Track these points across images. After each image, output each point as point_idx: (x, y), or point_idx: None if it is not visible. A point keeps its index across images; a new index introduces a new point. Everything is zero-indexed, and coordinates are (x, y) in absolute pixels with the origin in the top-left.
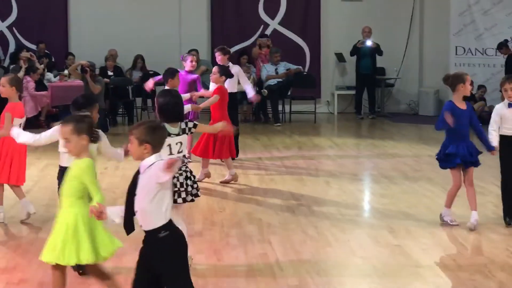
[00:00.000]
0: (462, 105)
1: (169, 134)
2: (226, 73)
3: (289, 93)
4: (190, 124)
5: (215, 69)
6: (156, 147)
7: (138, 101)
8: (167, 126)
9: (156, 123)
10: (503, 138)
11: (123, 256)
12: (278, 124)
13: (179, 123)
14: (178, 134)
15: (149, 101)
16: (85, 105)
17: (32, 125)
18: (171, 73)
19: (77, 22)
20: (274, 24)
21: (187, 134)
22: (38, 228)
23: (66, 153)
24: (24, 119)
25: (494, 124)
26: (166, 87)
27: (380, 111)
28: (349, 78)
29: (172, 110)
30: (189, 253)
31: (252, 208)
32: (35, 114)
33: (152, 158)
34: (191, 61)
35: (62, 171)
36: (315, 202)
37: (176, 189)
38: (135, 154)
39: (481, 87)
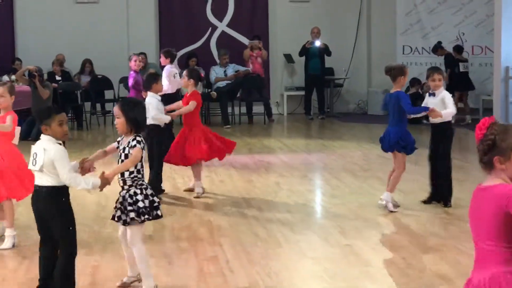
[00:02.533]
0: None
1: (144, 147)
2: (194, 75)
3: (238, 95)
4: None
5: (184, 72)
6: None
7: (87, 105)
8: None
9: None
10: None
11: None
12: (228, 126)
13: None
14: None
15: (98, 106)
16: (40, 118)
17: None
18: (154, 78)
19: (23, 27)
20: (222, 26)
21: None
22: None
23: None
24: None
25: None
26: (150, 93)
27: (329, 111)
28: (298, 79)
29: (144, 123)
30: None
31: (202, 210)
32: None
33: None
34: (135, 60)
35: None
36: (265, 203)
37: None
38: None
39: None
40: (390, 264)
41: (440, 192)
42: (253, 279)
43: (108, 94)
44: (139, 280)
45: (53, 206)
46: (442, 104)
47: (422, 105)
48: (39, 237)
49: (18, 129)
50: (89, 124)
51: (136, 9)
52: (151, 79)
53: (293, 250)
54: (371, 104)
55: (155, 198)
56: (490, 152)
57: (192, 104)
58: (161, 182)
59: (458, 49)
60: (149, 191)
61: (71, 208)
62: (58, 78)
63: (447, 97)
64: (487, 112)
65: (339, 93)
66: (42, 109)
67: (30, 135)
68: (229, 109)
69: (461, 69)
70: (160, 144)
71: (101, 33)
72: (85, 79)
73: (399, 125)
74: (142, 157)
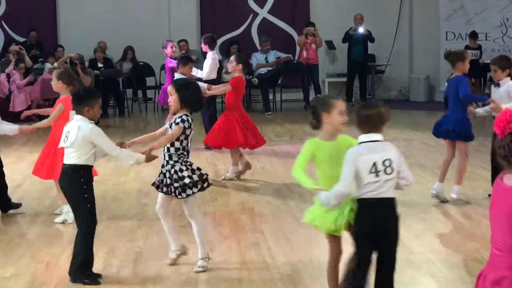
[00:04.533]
0: None
1: (190, 126)
2: (243, 61)
3: (279, 81)
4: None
5: (232, 57)
6: None
7: (129, 92)
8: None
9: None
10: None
11: None
12: (269, 113)
13: None
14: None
15: (139, 93)
16: (87, 98)
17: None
18: (183, 60)
19: (66, 14)
20: (263, 13)
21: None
22: (29, 222)
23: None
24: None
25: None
26: (177, 74)
27: (371, 97)
28: (339, 65)
29: (197, 99)
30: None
31: (244, 197)
32: (25, 108)
33: None
34: (172, 47)
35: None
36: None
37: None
38: None
39: None
40: (432, 251)
41: None
42: (295, 266)
43: (150, 81)
44: (184, 253)
45: (75, 184)
46: (507, 96)
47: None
48: None
49: (72, 113)
50: (130, 111)
51: None
52: (180, 61)
53: None
54: (413, 90)
55: (203, 171)
56: None
57: (225, 87)
58: None
59: (472, 35)
60: (195, 166)
61: (93, 187)
62: (100, 65)
63: (511, 89)
64: None
65: (381, 79)
66: (86, 91)
67: None
68: (270, 96)
69: None
70: None
71: (142, 20)
72: (127, 66)
73: (458, 111)
74: (187, 135)
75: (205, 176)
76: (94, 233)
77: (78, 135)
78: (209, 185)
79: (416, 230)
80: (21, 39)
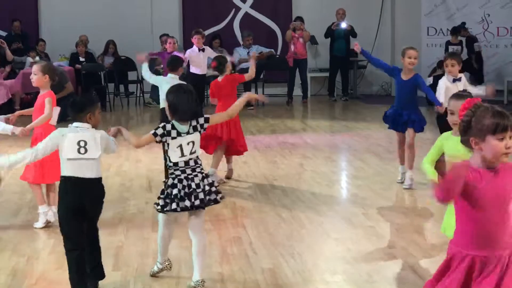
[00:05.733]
0: (406, 76)
1: (179, 134)
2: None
3: (261, 76)
4: (202, 120)
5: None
6: None
7: (111, 86)
8: (176, 124)
9: None
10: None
11: None
12: (251, 107)
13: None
14: (188, 133)
15: (121, 87)
16: (88, 105)
17: (6, 113)
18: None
19: (47, 8)
20: (245, 8)
21: (199, 132)
22: (10, 216)
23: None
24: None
25: (440, 96)
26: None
27: (352, 93)
28: (321, 60)
29: (184, 107)
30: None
31: (225, 191)
32: (5, 101)
33: None
34: (170, 43)
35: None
36: (289, 184)
37: (192, 190)
38: None
39: None
40: (413, 245)
41: None
42: (276, 260)
43: (132, 75)
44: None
45: (102, 198)
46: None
47: (441, 90)
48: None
49: (56, 110)
50: (112, 105)
51: None
52: (179, 63)
53: (316, 231)
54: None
55: (172, 190)
56: (466, 133)
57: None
58: None
59: (453, 31)
60: (183, 183)
61: None
62: (81, 59)
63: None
64: None
65: (363, 74)
66: (85, 97)
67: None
68: (252, 91)
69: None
70: None
71: (124, 14)
72: (108, 60)
73: None
74: (168, 144)
75: (171, 198)
76: None
77: (102, 146)
78: (168, 210)
79: (397, 224)
80: (3, 33)
